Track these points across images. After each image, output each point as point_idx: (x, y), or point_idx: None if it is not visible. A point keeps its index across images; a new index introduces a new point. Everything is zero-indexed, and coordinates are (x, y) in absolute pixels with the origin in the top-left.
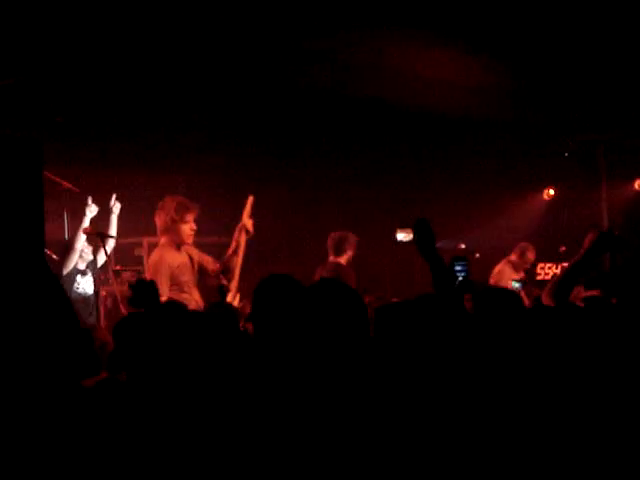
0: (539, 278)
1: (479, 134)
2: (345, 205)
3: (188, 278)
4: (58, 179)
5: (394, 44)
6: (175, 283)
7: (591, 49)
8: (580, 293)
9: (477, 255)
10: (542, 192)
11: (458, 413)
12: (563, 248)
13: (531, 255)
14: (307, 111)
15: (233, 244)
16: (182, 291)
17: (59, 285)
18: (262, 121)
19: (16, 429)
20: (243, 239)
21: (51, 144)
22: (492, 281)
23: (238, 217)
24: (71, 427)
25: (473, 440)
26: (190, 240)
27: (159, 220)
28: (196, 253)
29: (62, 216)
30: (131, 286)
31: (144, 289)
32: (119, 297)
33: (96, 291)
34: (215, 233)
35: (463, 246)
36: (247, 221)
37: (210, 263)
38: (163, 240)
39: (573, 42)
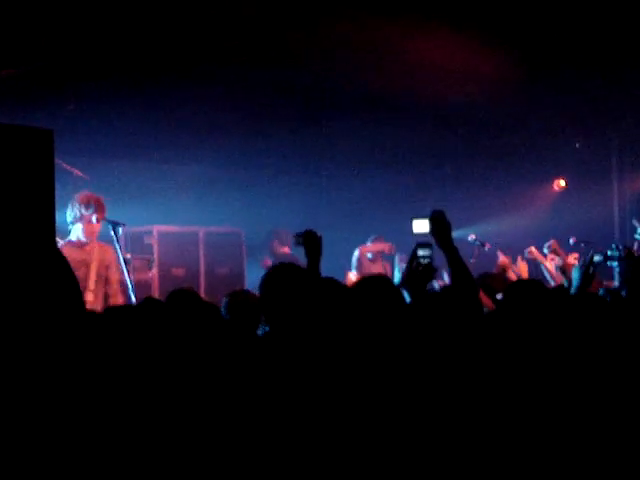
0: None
1: (491, 124)
2: (357, 196)
3: (82, 276)
4: (69, 167)
5: (407, 32)
6: None
7: (604, 41)
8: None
9: (488, 246)
10: (553, 183)
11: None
12: (573, 239)
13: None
14: (316, 102)
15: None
16: None
17: (70, 272)
18: (265, 113)
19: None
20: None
21: (62, 132)
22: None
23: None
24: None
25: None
26: (93, 237)
27: (68, 217)
28: (110, 259)
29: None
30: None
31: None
32: (130, 285)
33: None
34: (218, 222)
35: (474, 237)
36: None
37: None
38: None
39: (585, 33)
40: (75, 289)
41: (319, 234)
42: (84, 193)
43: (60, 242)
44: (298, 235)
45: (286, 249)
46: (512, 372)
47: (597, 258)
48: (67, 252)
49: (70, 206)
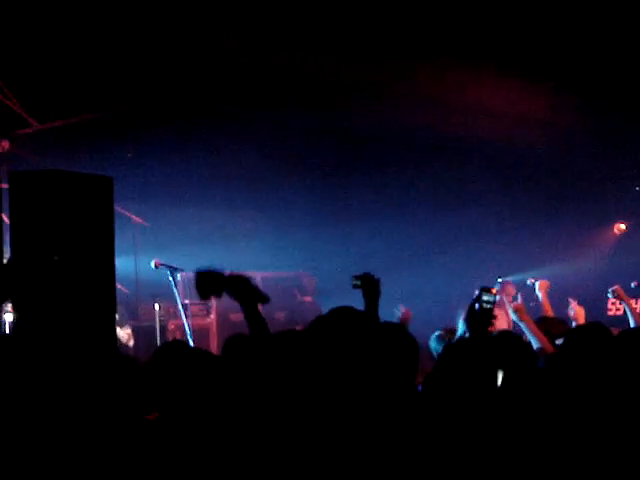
0: (610, 314)
1: (553, 169)
2: (415, 239)
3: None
4: (129, 214)
5: (463, 77)
6: None
7: None
8: None
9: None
10: (613, 227)
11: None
12: (635, 283)
13: (511, 289)
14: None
15: None
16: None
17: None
18: (321, 161)
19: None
20: None
21: (122, 180)
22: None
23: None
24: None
25: None
26: None
27: None
28: None
29: (132, 250)
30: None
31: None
32: (188, 330)
33: (163, 325)
34: (276, 267)
35: (533, 280)
36: None
37: None
38: None
39: None
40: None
41: (377, 277)
42: None
43: None
44: (356, 277)
45: (308, 298)
46: (569, 416)
47: None
48: None
49: None
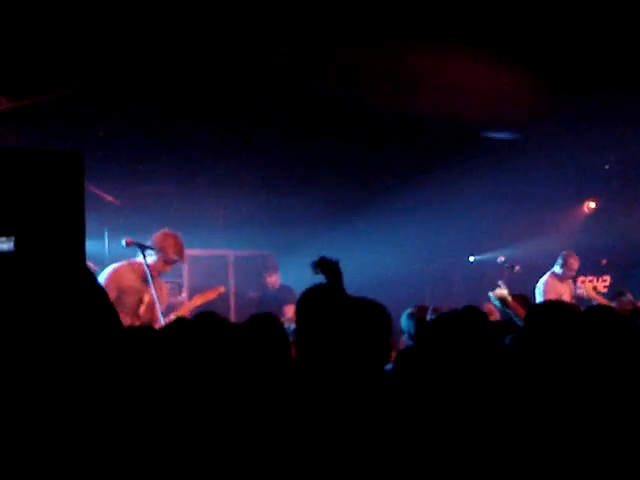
0: (579, 292)
1: (520, 147)
2: (386, 219)
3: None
4: (99, 192)
5: (438, 56)
6: (119, 303)
7: (634, 61)
8: None
9: (517, 268)
10: (582, 205)
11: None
12: (604, 261)
13: (574, 262)
14: (344, 127)
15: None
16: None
17: (105, 295)
18: (295, 138)
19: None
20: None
21: (94, 158)
22: (539, 294)
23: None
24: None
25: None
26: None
27: (159, 245)
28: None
29: (103, 228)
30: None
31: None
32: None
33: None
34: (248, 246)
35: (503, 259)
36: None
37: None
38: (134, 260)
39: (614, 53)
40: (109, 311)
41: (334, 259)
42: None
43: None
44: (314, 263)
45: (272, 278)
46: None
47: None
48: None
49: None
